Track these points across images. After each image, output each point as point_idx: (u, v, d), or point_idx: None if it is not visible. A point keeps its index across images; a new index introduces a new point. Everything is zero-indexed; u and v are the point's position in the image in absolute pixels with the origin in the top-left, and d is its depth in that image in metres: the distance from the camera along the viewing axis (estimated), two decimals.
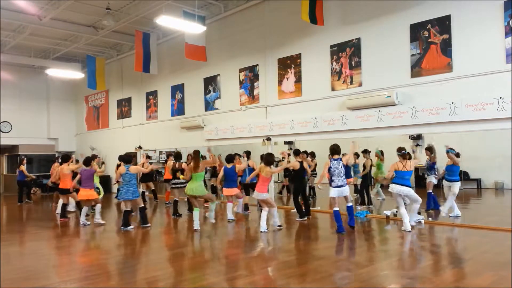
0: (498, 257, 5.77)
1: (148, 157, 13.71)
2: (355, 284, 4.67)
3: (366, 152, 10.70)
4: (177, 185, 10.56)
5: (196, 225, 8.21)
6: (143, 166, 11.08)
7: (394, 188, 7.72)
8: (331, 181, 7.74)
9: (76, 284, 4.98)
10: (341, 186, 7.70)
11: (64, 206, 10.36)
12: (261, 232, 7.81)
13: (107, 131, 19.34)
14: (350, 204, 7.88)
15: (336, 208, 7.70)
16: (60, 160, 10.96)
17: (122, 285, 4.91)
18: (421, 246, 6.75)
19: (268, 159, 8.14)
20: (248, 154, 10.79)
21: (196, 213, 8.29)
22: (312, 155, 11.36)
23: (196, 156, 8.24)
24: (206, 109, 14.12)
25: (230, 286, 4.78)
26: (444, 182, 8.98)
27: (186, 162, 10.57)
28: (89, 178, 9.37)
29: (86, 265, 6.07)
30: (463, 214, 9.02)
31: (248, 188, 10.54)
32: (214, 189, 13.18)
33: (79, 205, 10.26)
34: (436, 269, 5.25)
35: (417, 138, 10.72)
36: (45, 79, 20.00)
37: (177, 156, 10.83)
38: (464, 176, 10.58)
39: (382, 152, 10.63)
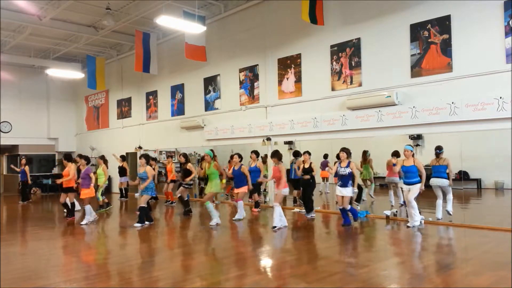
0: (498, 257, 5.77)
1: (154, 159, 13.68)
2: (355, 284, 4.67)
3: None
4: (186, 185, 10.66)
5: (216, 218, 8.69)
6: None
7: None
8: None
9: (76, 284, 4.97)
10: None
11: (72, 204, 10.53)
12: (276, 227, 8.16)
13: (107, 131, 19.34)
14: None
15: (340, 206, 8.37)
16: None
17: (122, 285, 4.91)
18: (421, 246, 6.75)
19: (280, 155, 8.49)
20: (257, 154, 10.76)
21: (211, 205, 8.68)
22: (296, 154, 11.32)
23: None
24: (206, 109, 14.12)
25: (229, 286, 4.77)
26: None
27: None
28: (86, 178, 9.53)
29: (86, 265, 6.07)
30: (463, 214, 9.02)
31: (258, 188, 10.75)
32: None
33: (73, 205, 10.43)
34: (436, 269, 5.25)
35: (417, 138, 10.72)
36: (45, 79, 20.02)
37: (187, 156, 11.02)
38: (464, 176, 10.57)
39: (367, 153, 10.67)
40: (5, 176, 21.35)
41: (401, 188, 9.11)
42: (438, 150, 8.57)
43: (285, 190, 8.38)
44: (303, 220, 9.27)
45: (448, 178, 8.53)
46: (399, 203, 10.41)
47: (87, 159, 9.92)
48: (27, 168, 14.89)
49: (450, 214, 8.59)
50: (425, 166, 8.58)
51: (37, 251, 7.13)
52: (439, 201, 8.61)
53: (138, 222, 8.88)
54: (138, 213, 9.06)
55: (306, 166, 9.48)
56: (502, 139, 8.50)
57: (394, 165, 9.36)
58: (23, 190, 15.13)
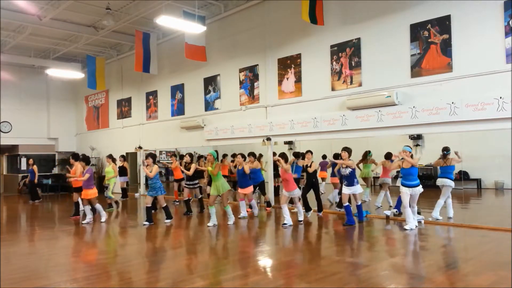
0: (498, 257, 5.78)
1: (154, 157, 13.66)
2: (355, 284, 4.67)
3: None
4: (190, 185, 10.71)
5: (215, 220, 8.77)
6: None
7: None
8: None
9: (76, 284, 4.98)
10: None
11: (77, 204, 10.57)
12: (287, 225, 8.41)
13: (107, 131, 19.34)
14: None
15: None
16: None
17: (122, 285, 4.92)
18: (421, 246, 6.75)
19: (287, 157, 8.78)
20: (254, 156, 10.74)
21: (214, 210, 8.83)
22: (296, 155, 11.31)
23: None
24: (206, 109, 14.12)
25: (229, 286, 4.77)
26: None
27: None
28: (90, 178, 9.53)
29: (87, 265, 6.07)
30: (463, 214, 9.01)
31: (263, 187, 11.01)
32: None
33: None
34: (436, 269, 5.25)
35: (417, 138, 10.72)
36: (45, 79, 20.01)
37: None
38: (464, 176, 10.57)
39: (367, 154, 10.64)
40: (5, 176, 21.36)
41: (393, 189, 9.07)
42: (446, 151, 8.57)
43: (294, 192, 8.56)
44: (304, 220, 9.25)
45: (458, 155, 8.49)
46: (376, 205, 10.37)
47: (85, 160, 9.89)
48: (35, 167, 15.18)
49: (449, 217, 8.58)
50: (430, 166, 8.59)
51: (37, 251, 7.13)
52: (449, 200, 8.66)
53: (167, 218, 9.43)
54: (164, 212, 9.51)
55: (307, 164, 9.59)
56: (502, 139, 8.51)
57: (392, 161, 9.25)
58: (31, 190, 15.46)
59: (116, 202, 12.13)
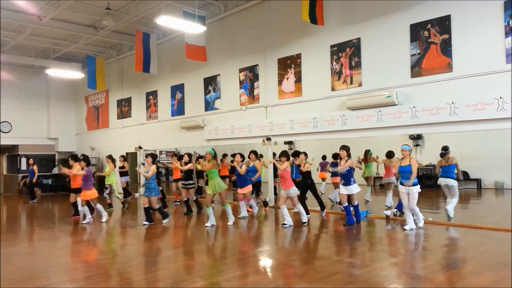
0: (498, 257, 5.77)
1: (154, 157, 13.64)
2: (355, 284, 4.67)
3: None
4: (188, 186, 10.69)
5: (213, 220, 8.70)
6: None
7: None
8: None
9: (76, 284, 4.98)
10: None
11: (75, 204, 10.49)
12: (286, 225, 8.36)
13: (107, 131, 19.35)
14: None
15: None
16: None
17: (122, 285, 4.92)
18: (421, 246, 6.75)
19: (289, 155, 8.71)
20: (255, 154, 10.74)
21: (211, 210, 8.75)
22: (296, 154, 11.29)
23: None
24: (206, 109, 14.12)
25: (229, 286, 4.77)
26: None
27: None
28: (89, 179, 9.49)
29: (87, 265, 6.07)
30: (463, 214, 9.01)
31: (258, 188, 10.97)
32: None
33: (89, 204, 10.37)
34: (436, 269, 5.25)
35: (417, 138, 10.72)
36: (45, 79, 20.01)
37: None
38: (464, 176, 10.57)
39: (367, 153, 10.62)
40: (5, 176, 21.36)
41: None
42: (444, 150, 8.53)
43: (291, 191, 8.39)
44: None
45: (457, 179, 8.52)
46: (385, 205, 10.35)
47: (85, 160, 9.89)
48: (35, 167, 15.21)
49: (449, 216, 8.51)
50: (430, 166, 8.56)
51: (37, 251, 7.13)
52: (450, 200, 8.63)
53: (164, 219, 9.24)
54: (159, 213, 9.36)
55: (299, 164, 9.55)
56: (502, 139, 8.52)
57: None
58: (30, 190, 15.48)
59: (110, 205, 11.94)
